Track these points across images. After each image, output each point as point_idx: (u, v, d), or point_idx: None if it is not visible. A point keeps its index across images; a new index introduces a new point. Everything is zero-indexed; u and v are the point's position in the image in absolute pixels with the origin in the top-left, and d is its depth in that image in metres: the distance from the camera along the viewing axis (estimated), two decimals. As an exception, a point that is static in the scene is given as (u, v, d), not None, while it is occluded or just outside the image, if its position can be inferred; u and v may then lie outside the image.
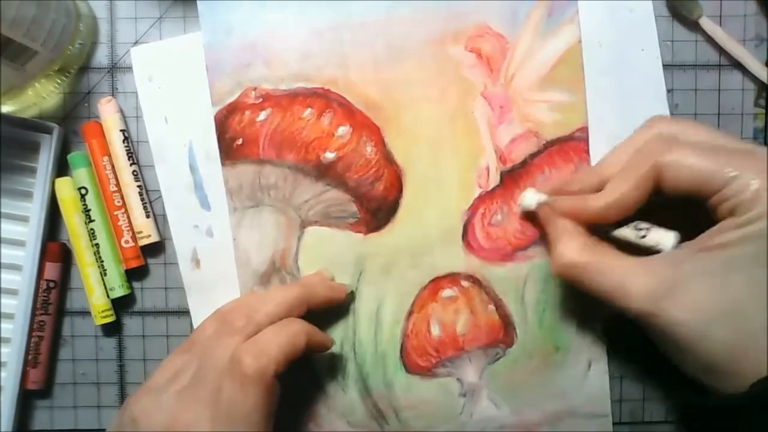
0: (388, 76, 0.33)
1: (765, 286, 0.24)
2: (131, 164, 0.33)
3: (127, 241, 0.33)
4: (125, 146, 0.33)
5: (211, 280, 0.34)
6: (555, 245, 0.29)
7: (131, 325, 0.35)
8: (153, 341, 0.35)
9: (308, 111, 0.33)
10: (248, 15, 0.33)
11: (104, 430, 0.35)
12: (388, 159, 0.33)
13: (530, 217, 0.33)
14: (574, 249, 0.28)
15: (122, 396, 0.35)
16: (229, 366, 0.27)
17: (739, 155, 0.25)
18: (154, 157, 0.34)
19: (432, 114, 0.33)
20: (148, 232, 0.33)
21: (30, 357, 0.33)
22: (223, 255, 0.34)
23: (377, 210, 0.33)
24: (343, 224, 0.33)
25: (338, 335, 0.34)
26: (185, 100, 0.33)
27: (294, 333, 0.29)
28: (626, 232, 0.29)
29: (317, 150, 0.33)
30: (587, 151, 0.34)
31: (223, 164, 0.33)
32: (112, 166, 0.33)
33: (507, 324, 0.34)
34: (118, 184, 0.33)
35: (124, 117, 0.34)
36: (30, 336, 0.33)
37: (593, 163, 0.33)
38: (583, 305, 0.34)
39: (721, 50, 0.34)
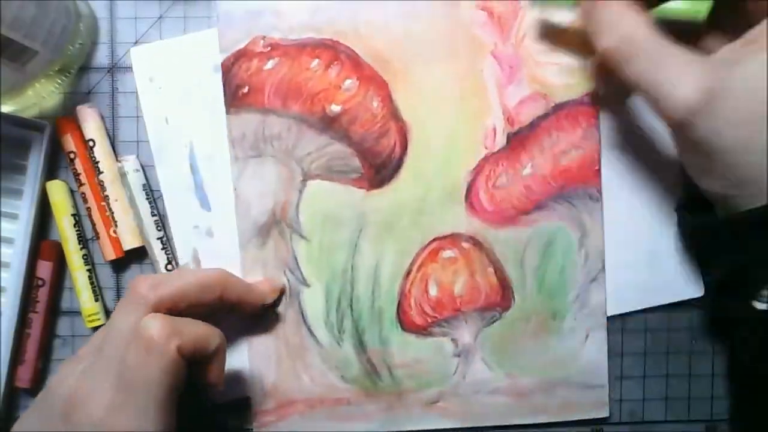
0: (399, 32, 0.33)
1: None
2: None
3: (115, 231, 0.33)
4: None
5: None
6: (618, 19, 0.26)
7: None
8: None
9: (316, 62, 0.33)
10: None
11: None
12: (394, 115, 0.33)
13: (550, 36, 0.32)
14: (636, 24, 0.26)
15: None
16: (135, 332, 0.26)
17: None
18: (154, 157, 0.33)
19: (441, 71, 0.33)
20: (131, 238, 0.33)
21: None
22: (224, 255, 0.33)
23: (381, 166, 0.33)
24: (346, 179, 0.33)
25: (335, 290, 0.34)
26: (186, 100, 0.33)
27: (194, 280, 0.29)
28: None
29: (323, 102, 0.33)
30: (596, 116, 0.33)
31: (227, 112, 0.33)
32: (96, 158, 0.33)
33: (505, 287, 0.34)
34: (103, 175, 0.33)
35: (103, 120, 0.34)
36: (17, 333, 0.33)
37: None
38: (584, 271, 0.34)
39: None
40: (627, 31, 0.26)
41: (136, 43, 0.34)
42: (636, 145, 0.34)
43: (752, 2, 0.25)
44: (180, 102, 0.33)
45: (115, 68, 0.34)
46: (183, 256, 0.34)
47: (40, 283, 0.33)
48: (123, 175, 0.33)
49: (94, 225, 0.33)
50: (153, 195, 0.33)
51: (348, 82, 0.33)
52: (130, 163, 0.33)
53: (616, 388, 0.35)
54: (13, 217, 0.33)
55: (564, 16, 0.32)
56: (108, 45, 0.34)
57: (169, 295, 0.28)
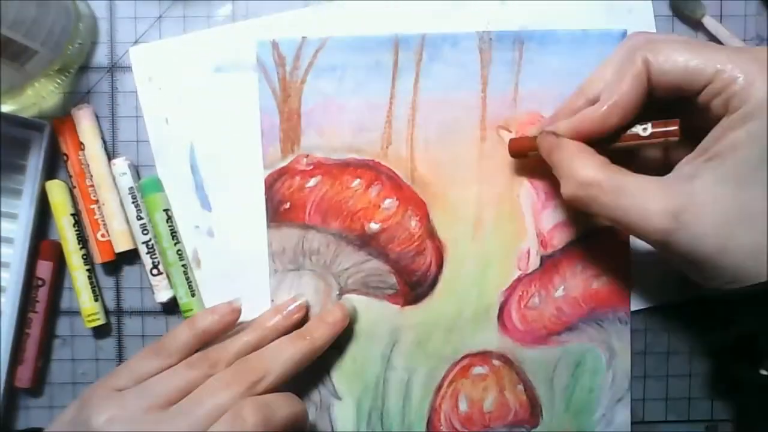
0: (439, 154, 0.33)
1: None
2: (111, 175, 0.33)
3: (103, 235, 0.33)
4: (105, 154, 0.34)
5: (212, 280, 0.34)
6: (569, 166, 0.28)
7: (130, 324, 0.35)
8: (152, 341, 0.34)
9: (357, 181, 0.33)
10: (306, 85, 0.33)
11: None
12: (431, 234, 0.34)
13: (519, 158, 0.33)
14: (591, 166, 0.27)
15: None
16: (230, 416, 0.27)
17: (724, 51, 0.25)
18: (154, 157, 0.34)
19: (478, 195, 0.34)
20: (124, 239, 0.33)
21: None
22: (224, 255, 0.34)
23: (416, 284, 0.34)
24: (381, 295, 0.34)
25: (366, 403, 0.34)
26: (186, 100, 0.34)
27: (300, 412, 0.29)
28: (634, 130, 0.28)
29: (362, 220, 0.33)
30: (627, 243, 0.34)
31: (268, 226, 0.33)
32: (87, 161, 0.33)
33: (534, 405, 0.34)
34: (92, 179, 0.33)
35: (99, 124, 0.34)
36: (17, 333, 0.33)
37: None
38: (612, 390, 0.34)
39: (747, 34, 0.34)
40: (583, 175, 0.27)
41: (135, 42, 0.34)
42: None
43: (701, 113, 0.26)
44: (180, 102, 0.34)
45: (114, 68, 0.34)
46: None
47: (39, 283, 0.33)
48: (114, 178, 0.33)
49: (84, 228, 0.33)
50: (138, 198, 0.33)
51: (387, 201, 0.33)
52: (117, 166, 0.33)
53: None
54: (13, 216, 0.33)
55: None
56: (107, 45, 0.34)
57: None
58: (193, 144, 0.34)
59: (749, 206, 0.25)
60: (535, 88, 0.33)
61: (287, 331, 0.32)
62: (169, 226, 0.33)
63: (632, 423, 0.35)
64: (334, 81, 0.33)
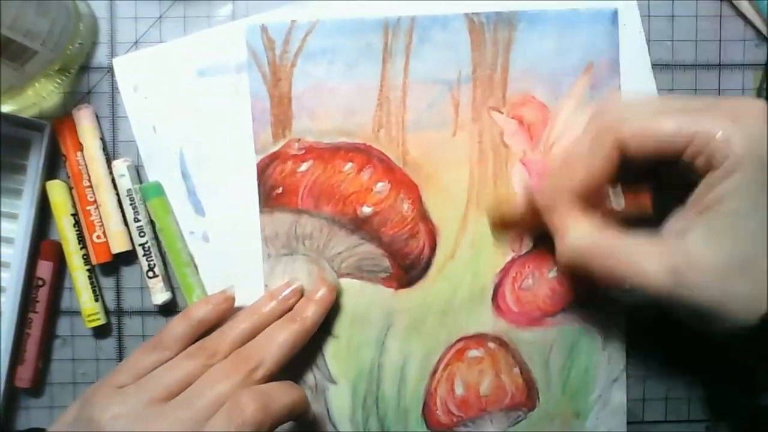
0: (430, 137, 0.33)
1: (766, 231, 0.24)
2: (109, 174, 0.34)
3: (99, 236, 0.33)
4: (104, 154, 0.34)
5: (209, 284, 0.34)
6: (561, 231, 0.28)
7: (131, 324, 0.35)
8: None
9: (349, 165, 0.33)
10: (296, 69, 0.33)
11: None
12: (423, 217, 0.34)
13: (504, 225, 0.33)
14: (582, 233, 0.27)
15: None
16: (229, 406, 0.27)
17: (695, 109, 0.25)
18: (145, 164, 0.34)
19: (470, 177, 0.33)
20: (121, 241, 0.33)
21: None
22: (220, 260, 0.34)
23: (410, 267, 0.34)
24: (375, 278, 0.34)
25: (362, 388, 0.34)
26: (172, 107, 0.34)
27: (298, 399, 0.29)
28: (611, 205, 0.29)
29: (355, 204, 0.33)
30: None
31: (261, 211, 0.33)
32: (85, 162, 0.33)
33: (530, 387, 0.34)
34: (90, 180, 0.33)
35: (99, 123, 0.34)
36: (18, 333, 0.33)
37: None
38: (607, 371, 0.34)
39: (747, 21, 0.34)
40: (576, 243, 0.27)
41: (136, 43, 0.34)
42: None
43: (685, 167, 0.26)
44: (166, 109, 0.34)
45: (114, 68, 0.34)
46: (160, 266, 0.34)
47: (40, 283, 0.33)
48: (113, 179, 0.33)
49: (82, 228, 0.33)
50: (136, 200, 0.33)
51: (380, 185, 0.33)
52: (116, 168, 0.33)
53: None
54: (13, 216, 0.33)
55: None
56: (108, 45, 0.34)
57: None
58: (182, 150, 0.34)
59: (742, 255, 0.25)
60: (526, 68, 0.33)
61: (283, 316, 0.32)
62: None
63: (632, 423, 0.35)
64: (324, 64, 0.33)
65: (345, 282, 0.34)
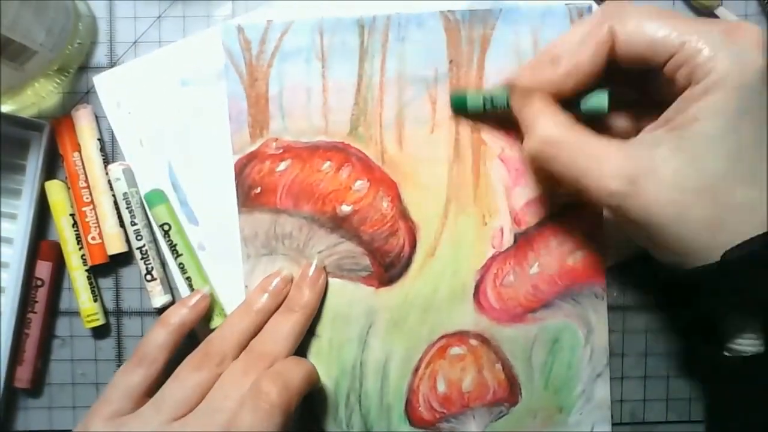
0: (408, 134, 0.33)
1: (743, 158, 0.24)
2: (106, 175, 0.34)
3: (93, 238, 0.33)
4: (102, 156, 0.34)
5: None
6: (532, 124, 0.28)
7: (130, 325, 0.35)
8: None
9: (327, 164, 0.33)
10: (272, 69, 0.33)
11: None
12: (403, 215, 0.34)
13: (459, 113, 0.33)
14: (553, 125, 0.27)
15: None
16: (252, 396, 0.28)
17: (691, 23, 0.25)
18: (135, 177, 0.34)
19: (449, 174, 0.33)
20: (117, 242, 0.34)
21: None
22: (217, 268, 0.34)
23: (390, 265, 0.34)
24: (356, 277, 0.34)
25: (344, 385, 0.34)
26: (158, 119, 0.34)
27: (311, 370, 0.31)
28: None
29: (334, 202, 0.33)
30: (601, 217, 0.34)
31: (240, 212, 0.33)
32: (83, 163, 0.34)
33: (513, 383, 0.34)
34: (87, 181, 0.33)
35: (98, 123, 0.34)
36: (17, 334, 0.33)
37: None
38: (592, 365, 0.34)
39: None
40: (546, 133, 0.27)
41: (135, 42, 0.34)
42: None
43: (667, 83, 0.26)
44: (152, 122, 0.34)
45: (114, 68, 0.34)
46: (175, 274, 0.34)
47: (39, 283, 0.33)
48: (110, 182, 0.33)
49: (79, 229, 0.34)
50: (132, 204, 0.33)
51: (358, 183, 0.33)
52: (112, 171, 0.33)
53: (617, 388, 0.35)
54: (12, 217, 0.33)
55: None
56: (107, 45, 0.34)
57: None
58: (170, 161, 0.34)
59: (707, 178, 0.24)
60: (501, 65, 0.33)
61: (278, 308, 0.32)
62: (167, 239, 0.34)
63: (633, 423, 0.35)
64: (301, 64, 0.33)
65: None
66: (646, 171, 0.25)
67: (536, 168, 0.33)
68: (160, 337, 0.31)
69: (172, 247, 0.33)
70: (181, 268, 0.33)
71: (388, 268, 0.34)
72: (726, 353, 0.28)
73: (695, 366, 0.35)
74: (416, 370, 0.34)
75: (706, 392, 0.34)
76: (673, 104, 0.25)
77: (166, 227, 0.33)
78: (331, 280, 0.34)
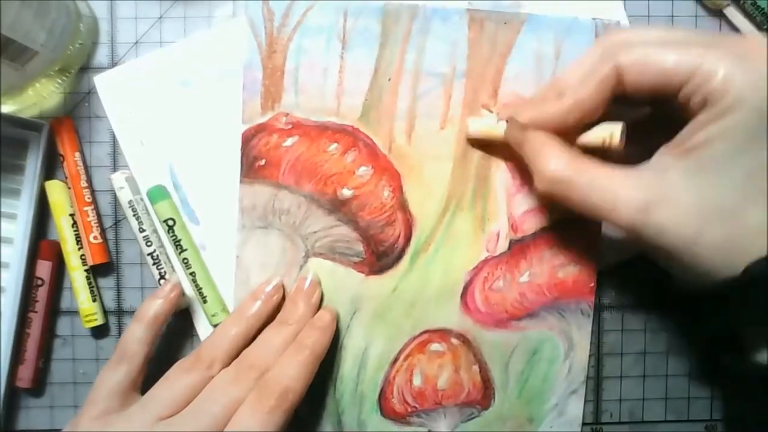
0: (418, 127, 0.33)
1: (756, 180, 0.24)
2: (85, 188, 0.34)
3: (95, 237, 0.33)
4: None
5: None
6: (537, 160, 0.27)
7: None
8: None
9: (334, 146, 0.33)
10: (292, 43, 0.33)
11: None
12: (402, 206, 0.34)
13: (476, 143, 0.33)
14: (559, 161, 0.27)
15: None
16: (256, 396, 0.28)
17: (701, 44, 0.24)
18: (136, 179, 0.34)
19: (453, 172, 0.33)
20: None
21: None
22: (218, 268, 0.34)
23: (383, 254, 0.34)
24: (347, 261, 0.34)
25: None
26: (158, 119, 0.34)
27: (311, 368, 0.31)
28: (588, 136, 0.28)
29: (335, 185, 0.33)
30: (598, 234, 0.34)
31: (241, 181, 0.33)
32: (84, 163, 0.34)
33: (487, 387, 0.34)
34: (88, 180, 0.34)
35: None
36: (18, 333, 0.33)
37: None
38: (566, 381, 0.34)
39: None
40: (550, 174, 0.27)
41: (136, 43, 0.34)
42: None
43: (680, 106, 0.26)
44: (152, 122, 0.34)
45: (96, 86, 0.34)
46: (179, 269, 0.34)
47: (39, 282, 0.34)
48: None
49: (78, 229, 0.34)
50: (139, 211, 0.33)
51: (362, 169, 0.33)
52: (115, 180, 0.33)
53: (616, 388, 0.35)
54: (12, 217, 0.34)
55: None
56: (108, 45, 0.34)
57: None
58: (171, 161, 0.34)
59: (721, 201, 0.24)
60: (520, 70, 0.33)
61: (270, 316, 0.32)
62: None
63: (632, 423, 0.35)
64: (321, 42, 0.33)
65: (317, 262, 0.34)
66: (658, 198, 0.25)
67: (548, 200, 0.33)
68: (137, 332, 0.31)
69: (177, 243, 0.33)
70: (185, 263, 0.33)
71: (381, 257, 0.34)
72: (747, 365, 0.28)
73: (716, 378, 0.35)
74: (394, 361, 0.34)
75: (726, 404, 0.34)
76: (687, 127, 0.25)
77: (170, 222, 0.33)
78: (322, 261, 0.34)
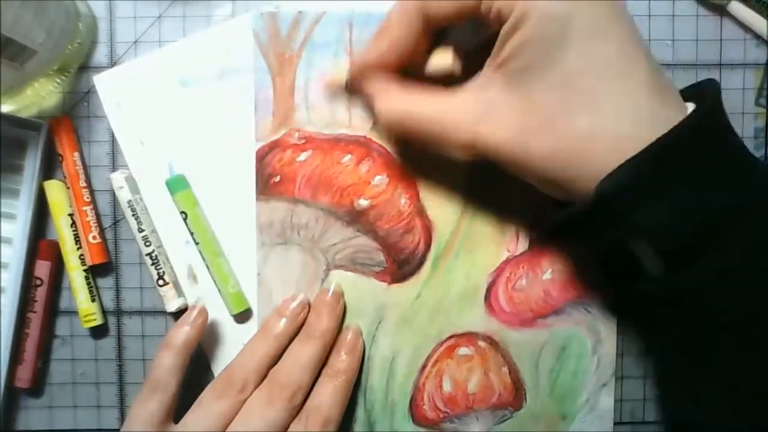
0: (431, 132, 0.33)
1: (575, 85, 0.24)
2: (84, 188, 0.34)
3: (95, 237, 0.33)
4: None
5: (209, 293, 0.34)
6: (373, 103, 0.29)
7: (130, 324, 0.35)
8: (152, 341, 0.35)
9: (348, 157, 0.33)
10: (300, 59, 0.33)
11: (104, 429, 0.35)
12: (420, 213, 0.34)
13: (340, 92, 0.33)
14: (391, 101, 0.28)
15: (121, 396, 0.35)
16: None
17: None
18: (136, 179, 0.34)
19: (468, 174, 0.33)
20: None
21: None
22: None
23: (404, 262, 0.34)
24: (369, 272, 0.34)
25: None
26: (158, 120, 0.34)
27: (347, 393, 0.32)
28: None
29: (352, 196, 0.33)
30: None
31: (257, 199, 0.33)
32: (83, 162, 0.34)
33: (518, 388, 0.34)
34: (87, 180, 0.34)
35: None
36: (17, 333, 0.33)
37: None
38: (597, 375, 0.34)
39: (749, 33, 0.34)
40: (387, 111, 0.28)
41: (135, 42, 0.34)
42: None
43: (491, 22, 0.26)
44: (152, 123, 0.34)
45: (96, 85, 0.34)
46: (178, 271, 0.34)
47: (38, 282, 0.33)
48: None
49: (77, 229, 0.34)
50: (138, 211, 0.33)
51: (378, 178, 0.34)
52: (114, 180, 0.33)
53: (616, 387, 0.35)
54: (11, 217, 0.33)
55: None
56: (107, 44, 0.34)
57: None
58: (171, 161, 0.34)
59: (540, 111, 0.24)
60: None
61: (297, 332, 0.32)
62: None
63: (632, 423, 0.35)
64: (329, 56, 0.33)
65: (338, 274, 0.34)
66: (483, 115, 0.25)
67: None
68: (167, 360, 0.31)
69: (191, 235, 0.33)
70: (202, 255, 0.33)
71: (402, 265, 0.34)
72: (651, 283, 0.26)
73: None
74: (423, 368, 0.34)
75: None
76: (495, 44, 0.25)
77: (182, 215, 0.33)
78: (343, 273, 0.34)
